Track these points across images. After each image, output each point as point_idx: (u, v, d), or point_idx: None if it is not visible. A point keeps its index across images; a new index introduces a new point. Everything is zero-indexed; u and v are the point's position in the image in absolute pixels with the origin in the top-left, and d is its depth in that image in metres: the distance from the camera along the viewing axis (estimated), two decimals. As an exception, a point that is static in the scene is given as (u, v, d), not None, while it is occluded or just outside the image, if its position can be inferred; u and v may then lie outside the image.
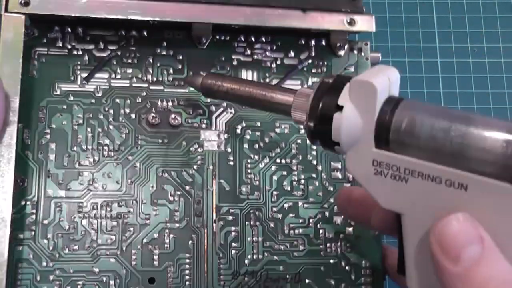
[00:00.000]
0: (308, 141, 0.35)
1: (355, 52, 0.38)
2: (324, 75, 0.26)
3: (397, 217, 0.24)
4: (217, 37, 0.37)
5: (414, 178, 0.23)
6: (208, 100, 0.35)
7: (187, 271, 0.33)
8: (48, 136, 0.33)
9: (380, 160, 0.23)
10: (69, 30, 0.35)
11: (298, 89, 0.28)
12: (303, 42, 0.38)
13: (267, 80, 0.37)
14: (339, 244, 0.35)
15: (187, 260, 0.33)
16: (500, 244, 0.21)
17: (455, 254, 0.21)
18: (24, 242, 0.31)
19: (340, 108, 0.24)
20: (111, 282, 0.32)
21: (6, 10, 0.31)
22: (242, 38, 0.37)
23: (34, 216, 0.32)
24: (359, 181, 0.25)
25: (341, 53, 0.38)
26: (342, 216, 0.35)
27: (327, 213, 0.35)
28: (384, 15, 0.46)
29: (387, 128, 0.23)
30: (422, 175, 0.22)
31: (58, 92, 0.34)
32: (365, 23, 0.35)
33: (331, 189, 0.36)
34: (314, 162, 0.36)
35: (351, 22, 0.35)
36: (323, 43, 0.38)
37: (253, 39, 0.37)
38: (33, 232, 0.32)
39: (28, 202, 0.32)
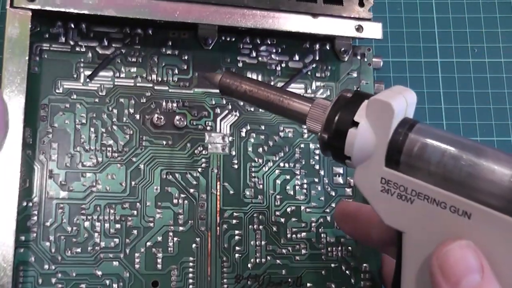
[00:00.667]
0: (311, 146, 0.36)
1: (358, 57, 0.38)
2: (342, 89, 0.26)
3: (397, 235, 0.25)
4: (223, 38, 0.36)
5: (420, 200, 0.23)
6: (213, 102, 0.35)
7: (190, 275, 0.33)
8: (50, 136, 0.32)
9: (389, 179, 0.24)
10: (72, 26, 0.34)
11: (315, 98, 0.28)
12: (307, 46, 0.38)
13: (272, 82, 0.36)
14: (340, 248, 0.35)
15: (191, 264, 0.33)
16: (497, 275, 0.22)
17: (455, 280, 0.21)
18: (25, 244, 0.31)
19: (355, 124, 0.24)
20: (114, 286, 0.31)
21: (11, 5, 0.30)
22: (248, 40, 0.37)
23: (36, 218, 0.31)
24: (365, 196, 0.25)
25: (345, 58, 0.38)
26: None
27: (328, 218, 0.35)
28: (384, 15, 0.47)
29: (399, 150, 0.24)
30: (428, 198, 0.23)
31: (60, 90, 0.33)
32: (372, 30, 0.36)
33: (333, 194, 0.36)
34: (317, 167, 0.36)
35: (359, 29, 0.35)
36: (328, 47, 0.38)
37: (258, 41, 0.37)
38: (34, 234, 0.31)
39: (30, 203, 0.31)
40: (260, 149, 0.35)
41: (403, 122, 0.24)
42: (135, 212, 0.33)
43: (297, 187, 0.35)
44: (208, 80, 0.34)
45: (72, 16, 0.33)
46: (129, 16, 0.32)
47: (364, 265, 0.35)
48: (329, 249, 0.35)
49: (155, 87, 0.35)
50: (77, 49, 0.34)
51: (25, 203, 0.31)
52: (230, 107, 0.35)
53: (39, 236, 0.31)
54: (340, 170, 0.36)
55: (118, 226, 0.32)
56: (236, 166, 0.35)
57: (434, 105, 0.45)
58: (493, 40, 0.47)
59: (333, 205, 0.36)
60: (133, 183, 0.33)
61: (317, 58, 0.38)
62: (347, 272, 0.35)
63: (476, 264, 0.22)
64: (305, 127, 0.28)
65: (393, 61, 0.46)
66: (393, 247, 0.27)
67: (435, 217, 0.23)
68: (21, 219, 0.31)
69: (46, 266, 0.31)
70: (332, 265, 0.35)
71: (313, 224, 0.35)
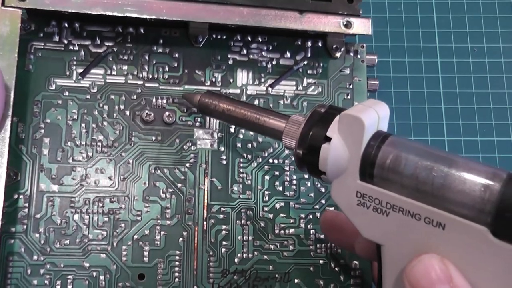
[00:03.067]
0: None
1: (351, 54, 0.38)
2: (316, 105, 0.26)
3: (377, 247, 0.25)
4: (214, 36, 0.37)
5: (395, 212, 0.23)
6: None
7: (176, 268, 0.33)
8: (42, 131, 0.33)
9: (364, 192, 0.24)
10: (66, 25, 0.35)
11: (291, 116, 0.28)
12: (299, 43, 0.38)
13: (262, 80, 0.37)
14: (329, 245, 0.35)
15: (177, 257, 0.33)
16: (473, 284, 0.22)
17: None
18: (15, 236, 0.32)
19: (328, 139, 0.25)
20: (101, 278, 0.32)
21: (3, 4, 0.31)
22: (239, 38, 0.37)
23: (26, 210, 0.32)
24: (342, 210, 0.25)
25: (337, 55, 0.38)
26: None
27: (318, 214, 0.35)
28: (384, 15, 0.46)
29: (372, 163, 0.24)
30: (402, 211, 0.23)
31: (53, 87, 0.34)
32: (361, 26, 0.35)
33: (323, 190, 0.36)
34: (307, 163, 0.36)
35: (347, 25, 0.35)
36: (320, 44, 0.38)
37: (249, 38, 0.37)
38: (25, 226, 0.32)
39: (21, 196, 0.32)
40: (249, 145, 0.36)
41: (375, 135, 0.24)
42: (123, 205, 0.33)
43: (286, 183, 0.35)
44: (188, 100, 0.35)
45: (64, 15, 0.34)
46: (116, 14, 0.32)
47: (354, 262, 0.35)
48: (318, 245, 0.35)
49: (146, 84, 0.35)
50: (71, 47, 0.35)
51: (16, 196, 0.32)
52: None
53: (29, 228, 0.32)
54: (331, 167, 0.36)
55: (106, 219, 0.33)
56: (224, 162, 0.35)
57: (434, 105, 0.45)
58: (493, 40, 0.46)
59: (323, 201, 0.36)
60: (121, 177, 0.34)
61: (309, 55, 0.38)
62: (336, 269, 0.35)
63: (443, 275, 0.22)
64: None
65: (393, 61, 0.46)
66: (374, 258, 0.28)
67: (410, 229, 0.23)
68: (12, 211, 0.32)
69: (35, 257, 0.32)
70: (321, 261, 0.35)
71: (301, 220, 0.35)
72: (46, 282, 0.31)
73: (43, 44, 0.35)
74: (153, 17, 0.33)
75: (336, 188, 0.25)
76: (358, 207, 0.24)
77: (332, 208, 0.35)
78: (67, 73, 0.35)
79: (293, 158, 0.35)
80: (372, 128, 0.24)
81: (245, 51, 0.37)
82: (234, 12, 0.34)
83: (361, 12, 0.35)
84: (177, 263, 0.33)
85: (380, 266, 0.25)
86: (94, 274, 0.32)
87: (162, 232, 0.33)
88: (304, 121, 0.26)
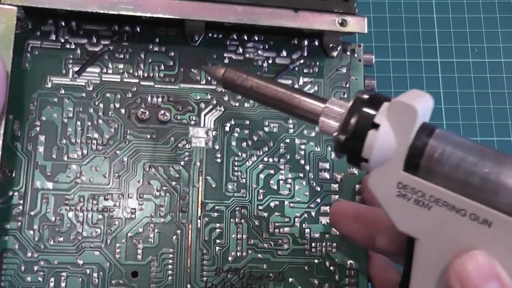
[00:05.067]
0: (296, 141, 0.36)
1: (348, 53, 0.38)
2: (357, 91, 0.25)
3: (409, 241, 0.24)
4: (210, 34, 0.37)
5: (439, 206, 0.23)
6: (198, 97, 0.36)
7: (170, 266, 0.33)
8: (38, 128, 0.33)
9: (406, 183, 0.23)
10: (63, 23, 0.35)
11: (328, 98, 0.27)
12: (295, 42, 0.38)
13: (258, 78, 0.37)
14: (324, 244, 0.35)
15: (171, 255, 0.33)
16: None
17: None
18: (10, 233, 0.32)
19: (375, 126, 0.24)
20: (95, 275, 0.32)
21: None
22: (235, 36, 0.37)
23: (21, 207, 0.32)
24: (378, 200, 0.24)
25: (334, 54, 0.38)
26: (328, 217, 0.35)
27: (313, 213, 0.35)
28: (384, 15, 0.46)
29: (420, 153, 0.23)
30: (447, 205, 0.23)
31: (49, 85, 0.34)
32: (356, 24, 0.35)
33: (318, 189, 0.36)
34: (302, 162, 0.36)
35: (343, 23, 0.35)
36: (316, 43, 0.38)
37: (245, 37, 0.37)
38: (19, 223, 0.32)
39: (16, 193, 0.32)
40: (244, 144, 0.36)
41: (423, 126, 0.24)
42: (117, 203, 0.33)
43: (281, 182, 0.35)
44: (209, 74, 0.34)
45: (61, 14, 0.34)
46: (111, 12, 0.33)
47: (349, 262, 0.35)
48: (312, 244, 0.35)
49: (141, 83, 0.35)
50: (67, 46, 0.35)
51: (11, 193, 0.32)
52: (214, 102, 0.36)
53: (24, 225, 0.32)
54: (326, 166, 0.36)
55: (100, 216, 0.33)
56: (219, 160, 0.35)
57: (434, 105, 0.44)
58: (493, 40, 0.46)
59: (318, 200, 0.35)
60: (116, 175, 0.34)
61: (305, 54, 0.38)
62: (331, 268, 0.35)
63: (493, 273, 0.22)
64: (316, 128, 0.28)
65: (393, 61, 0.46)
66: (399, 253, 0.27)
67: (453, 225, 0.23)
68: (7, 208, 0.32)
69: (29, 254, 0.32)
70: (316, 260, 0.35)
71: (296, 219, 0.35)
72: (40, 279, 0.32)
73: (39, 42, 0.35)
74: (148, 15, 0.33)
75: (376, 177, 0.24)
76: (397, 198, 0.24)
77: (328, 208, 0.35)
78: (63, 72, 0.35)
79: (286, 156, 0.36)
80: (422, 118, 0.24)
81: (241, 50, 0.37)
82: (229, 11, 0.34)
83: (357, 10, 0.35)
84: (170, 261, 0.33)
85: (409, 260, 0.24)
86: (88, 271, 0.32)
87: (156, 230, 0.33)
88: (349, 105, 0.25)
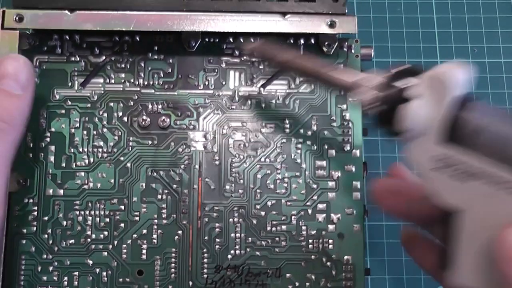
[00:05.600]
0: (293, 140, 0.37)
1: (345, 49, 0.38)
2: (394, 65, 0.25)
3: (446, 214, 0.24)
4: (206, 39, 0.38)
5: (477, 179, 0.22)
6: (196, 102, 0.37)
7: (173, 265, 0.35)
8: (48, 139, 0.36)
9: (445, 156, 0.23)
10: (67, 37, 0.37)
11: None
12: (291, 41, 0.38)
13: (255, 80, 0.38)
14: (320, 241, 0.36)
15: (173, 254, 0.35)
16: None
17: None
18: (26, 237, 0.35)
19: (415, 97, 0.24)
20: (103, 274, 0.35)
21: (2, 27, 0.34)
22: (231, 40, 0.38)
23: (35, 213, 0.35)
24: (418, 172, 0.25)
25: (331, 51, 0.38)
26: (325, 214, 0.36)
27: (309, 211, 0.36)
28: (384, 15, 0.46)
29: (460, 125, 0.23)
30: (486, 178, 0.22)
31: (57, 97, 0.37)
32: (345, 25, 0.35)
33: (315, 187, 0.37)
34: (298, 161, 0.37)
35: (332, 24, 0.35)
36: (312, 41, 0.38)
37: (241, 40, 0.38)
38: (34, 228, 0.35)
39: (31, 200, 0.35)
40: (241, 145, 0.37)
41: (461, 97, 0.24)
42: (122, 207, 0.36)
43: (277, 181, 0.36)
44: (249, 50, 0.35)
45: (63, 30, 0.36)
46: (105, 28, 0.34)
47: (346, 257, 0.36)
48: (309, 241, 0.36)
49: (142, 91, 0.37)
50: (72, 58, 0.37)
51: (26, 200, 0.35)
52: (213, 106, 0.37)
53: (39, 229, 0.35)
54: (323, 164, 0.37)
55: (107, 220, 0.35)
56: (217, 162, 0.37)
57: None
58: (493, 40, 0.45)
59: (315, 198, 0.36)
60: (121, 180, 0.36)
61: (302, 53, 0.38)
62: (328, 264, 0.36)
63: None
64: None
65: (393, 61, 0.46)
66: (435, 225, 0.27)
67: (493, 198, 0.22)
68: (23, 214, 0.35)
69: (44, 256, 0.35)
70: (313, 257, 0.36)
71: (293, 217, 0.36)
72: (55, 278, 0.35)
73: (47, 57, 0.37)
74: (140, 29, 0.35)
75: (415, 149, 0.24)
76: (437, 170, 0.23)
77: (325, 205, 0.36)
78: (69, 84, 0.37)
79: (282, 155, 0.37)
80: (459, 89, 0.24)
81: (237, 53, 0.38)
82: (217, 20, 0.35)
83: (346, 10, 0.35)
84: (173, 260, 0.35)
85: (446, 234, 0.24)
86: (97, 270, 0.35)
87: (159, 231, 0.35)
88: (388, 76, 0.25)
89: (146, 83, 0.37)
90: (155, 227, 0.36)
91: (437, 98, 0.23)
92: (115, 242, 0.35)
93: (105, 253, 0.35)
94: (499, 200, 0.22)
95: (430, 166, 0.23)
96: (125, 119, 0.37)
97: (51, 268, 0.35)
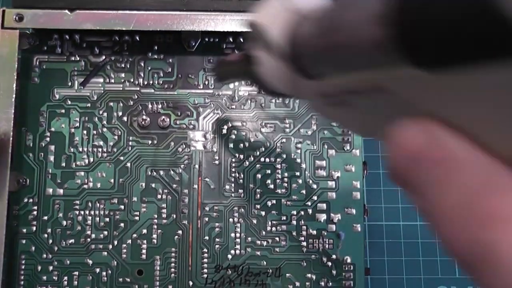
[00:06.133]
0: (293, 140, 0.37)
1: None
2: None
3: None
4: (206, 39, 0.38)
5: (346, 106, 0.18)
6: (196, 101, 0.37)
7: (172, 264, 0.35)
8: (48, 139, 0.36)
9: (319, 91, 0.19)
10: (67, 37, 0.37)
11: None
12: (291, 41, 0.38)
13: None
14: (321, 240, 0.36)
15: (173, 254, 0.35)
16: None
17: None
18: (26, 236, 0.35)
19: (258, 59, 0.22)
20: (103, 273, 0.35)
21: (2, 27, 0.34)
22: (231, 39, 0.38)
23: (35, 213, 0.35)
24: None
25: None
26: (325, 214, 0.36)
27: (309, 211, 0.36)
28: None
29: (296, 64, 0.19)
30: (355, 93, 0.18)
31: (57, 97, 0.37)
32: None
33: (315, 187, 0.36)
34: (298, 160, 0.37)
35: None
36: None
37: (241, 39, 0.38)
38: (34, 227, 0.35)
39: (30, 200, 0.35)
40: (241, 145, 0.37)
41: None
42: (122, 206, 0.36)
43: (277, 181, 0.36)
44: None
45: (64, 29, 0.36)
46: (105, 28, 0.34)
47: (346, 257, 0.36)
48: (309, 241, 0.36)
49: (142, 90, 0.37)
50: (72, 58, 0.37)
51: (26, 200, 0.35)
52: (212, 105, 0.37)
53: (39, 229, 0.35)
54: (323, 163, 0.37)
55: (107, 219, 0.35)
56: (217, 162, 0.37)
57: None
58: None
59: (315, 198, 0.36)
60: (120, 180, 0.36)
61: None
62: (328, 263, 0.36)
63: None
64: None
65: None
66: None
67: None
68: (23, 214, 0.35)
69: (44, 255, 0.35)
70: (313, 256, 0.36)
71: (293, 217, 0.36)
72: (55, 278, 0.35)
73: (47, 57, 0.37)
74: (139, 29, 0.35)
75: (301, 98, 0.24)
76: (328, 107, 0.20)
77: (325, 205, 0.36)
78: (69, 83, 0.37)
79: (282, 155, 0.37)
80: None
81: (237, 53, 0.38)
82: (217, 20, 0.35)
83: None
84: (173, 259, 0.35)
85: None
86: (97, 270, 0.35)
87: (159, 231, 0.35)
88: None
89: (146, 82, 0.37)
90: (155, 226, 0.36)
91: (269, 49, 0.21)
92: (115, 242, 0.35)
93: (105, 253, 0.35)
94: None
95: (319, 105, 0.20)
96: (125, 118, 0.37)
97: (51, 268, 0.35)
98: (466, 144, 0.14)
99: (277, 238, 0.36)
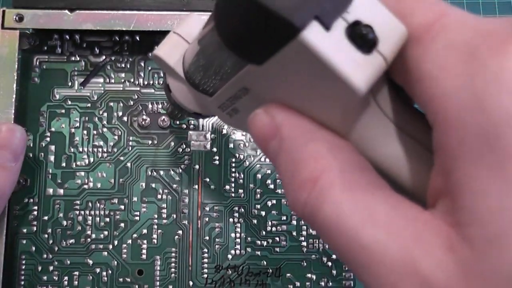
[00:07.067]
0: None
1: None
2: None
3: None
4: (206, 39, 0.38)
5: (236, 112, 0.21)
6: (196, 101, 0.37)
7: (173, 264, 0.35)
8: (48, 139, 0.36)
9: (219, 103, 0.22)
10: (67, 37, 0.37)
11: None
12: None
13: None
14: (321, 240, 0.36)
15: (173, 254, 0.35)
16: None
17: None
18: (27, 236, 0.35)
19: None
20: (104, 274, 0.35)
21: (2, 27, 0.34)
22: (231, 39, 0.38)
23: (35, 213, 0.35)
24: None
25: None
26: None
27: (310, 211, 0.36)
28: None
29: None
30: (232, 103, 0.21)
31: (57, 97, 0.37)
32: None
33: (315, 187, 0.36)
34: (299, 161, 0.37)
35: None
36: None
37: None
38: (34, 227, 0.35)
39: (31, 200, 0.35)
40: (242, 145, 0.37)
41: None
42: (122, 207, 0.36)
43: (278, 181, 0.36)
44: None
45: (64, 29, 0.36)
46: (105, 28, 0.34)
47: (346, 256, 0.36)
48: (310, 241, 0.36)
49: (142, 90, 0.37)
50: (72, 58, 0.37)
51: (26, 200, 0.35)
52: (212, 106, 0.37)
53: (39, 229, 0.35)
54: (323, 164, 0.37)
55: (107, 219, 0.35)
56: (217, 162, 0.37)
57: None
58: None
59: (315, 198, 0.36)
60: (121, 180, 0.36)
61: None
62: (328, 263, 0.36)
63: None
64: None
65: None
66: None
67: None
68: (23, 214, 0.35)
69: (45, 256, 0.35)
70: (313, 256, 0.36)
71: (293, 217, 0.36)
72: (55, 278, 0.35)
73: (47, 57, 0.37)
74: (139, 29, 0.35)
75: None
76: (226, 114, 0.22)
77: (325, 204, 0.36)
78: (69, 84, 0.37)
79: (283, 157, 0.37)
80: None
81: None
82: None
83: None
84: (173, 259, 0.35)
85: None
86: (97, 270, 0.35)
87: (159, 231, 0.35)
88: None
89: (146, 82, 0.37)
90: (155, 226, 0.36)
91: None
92: (115, 242, 0.35)
93: (105, 253, 0.35)
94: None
95: (222, 116, 0.23)
96: (125, 118, 0.37)
97: (51, 268, 0.35)
98: (293, 118, 0.16)
99: (277, 238, 0.36)
